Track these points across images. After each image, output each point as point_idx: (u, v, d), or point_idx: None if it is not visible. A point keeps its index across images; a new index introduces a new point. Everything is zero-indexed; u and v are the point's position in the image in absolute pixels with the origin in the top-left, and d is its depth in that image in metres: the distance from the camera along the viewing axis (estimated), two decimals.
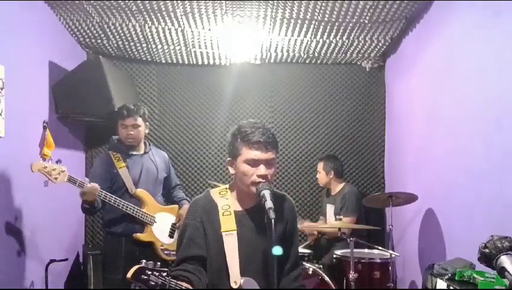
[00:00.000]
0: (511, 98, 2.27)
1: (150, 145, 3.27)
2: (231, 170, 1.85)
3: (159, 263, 1.58)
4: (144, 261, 1.57)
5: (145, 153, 3.19)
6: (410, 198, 3.34)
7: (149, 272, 1.53)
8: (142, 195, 3.07)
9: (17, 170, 2.89)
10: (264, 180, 1.74)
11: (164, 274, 1.54)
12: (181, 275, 1.71)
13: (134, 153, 3.14)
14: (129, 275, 1.53)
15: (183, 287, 1.59)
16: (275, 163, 1.81)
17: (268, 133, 1.78)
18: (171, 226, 3.19)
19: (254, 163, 1.75)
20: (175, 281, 1.57)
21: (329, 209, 4.04)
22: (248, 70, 4.51)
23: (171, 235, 3.17)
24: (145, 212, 3.03)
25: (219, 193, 1.90)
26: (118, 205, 2.92)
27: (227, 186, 1.93)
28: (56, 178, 2.73)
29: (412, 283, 3.75)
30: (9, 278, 2.87)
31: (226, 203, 1.85)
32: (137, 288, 1.52)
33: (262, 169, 1.75)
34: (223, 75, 4.52)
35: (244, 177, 1.77)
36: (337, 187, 4.06)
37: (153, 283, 1.52)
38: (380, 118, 4.56)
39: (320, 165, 4.11)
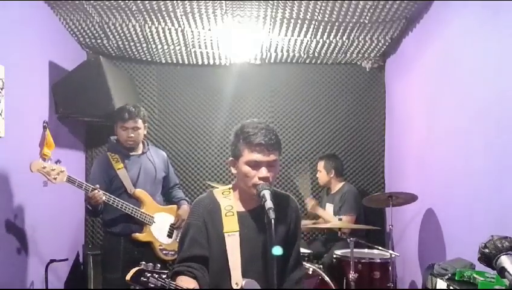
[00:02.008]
0: (510, 98, 2.27)
1: (148, 145, 3.27)
2: (233, 170, 1.83)
3: (158, 265, 1.57)
4: (143, 263, 1.56)
5: (143, 153, 3.19)
6: (410, 198, 3.34)
7: (148, 274, 1.52)
8: (141, 195, 3.07)
9: (17, 170, 2.89)
10: (265, 182, 1.72)
11: (164, 276, 1.53)
12: (186, 271, 1.71)
13: (132, 153, 3.14)
14: (128, 277, 1.52)
15: (184, 288, 1.59)
16: (277, 165, 1.78)
17: (270, 135, 1.75)
18: (170, 226, 3.20)
19: (255, 165, 1.74)
20: (175, 284, 1.57)
21: (329, 208, 4.04)
22: (248, 70, 4.51)
23: (169, 235, 3.18)
24: (143, 212, 3.04)
25: (222, 193, 1.89)
26: (116, 205, 2.92)
27: (230, 186, 1.92)
28: (55, 178, 2.72)
29: (412, 283, 3.75)
30: (9, 278, 2.87)
31: (229, 203, 1.84)
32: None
33: (263, 171, 1.73)
34: (223, 75, 4.52)
35: (245, 179, 1.76)
36: (337, 186, 4.06)
37: (152, 285, 1.51)
38: (380, 118, 4.56)
39: (321, 164, 4.11)
